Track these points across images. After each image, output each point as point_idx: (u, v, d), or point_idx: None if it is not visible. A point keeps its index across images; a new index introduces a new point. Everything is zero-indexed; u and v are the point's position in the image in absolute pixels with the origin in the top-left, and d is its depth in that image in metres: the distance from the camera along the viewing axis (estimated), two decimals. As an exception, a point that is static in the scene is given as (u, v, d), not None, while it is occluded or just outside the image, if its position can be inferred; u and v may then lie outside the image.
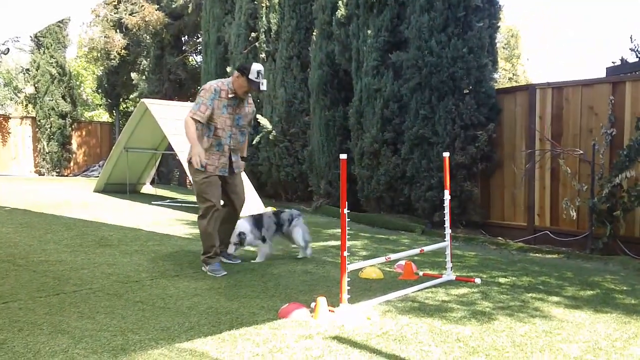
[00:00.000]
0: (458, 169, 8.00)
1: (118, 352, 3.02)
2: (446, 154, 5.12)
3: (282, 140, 11.74)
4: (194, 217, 9.28)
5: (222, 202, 5.28)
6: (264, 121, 12.02)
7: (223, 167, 5.17)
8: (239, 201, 5.46)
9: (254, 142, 12.40)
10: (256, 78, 5.02)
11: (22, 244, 6.15)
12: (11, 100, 23.30)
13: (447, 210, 5.04)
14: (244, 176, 11.05)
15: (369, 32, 9.05)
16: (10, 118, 19.84)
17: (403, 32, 8.71)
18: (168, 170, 17.65)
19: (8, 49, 18.84)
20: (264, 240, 5.72)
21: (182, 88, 18.49)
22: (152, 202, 11.22)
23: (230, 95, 5.10)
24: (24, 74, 22.25)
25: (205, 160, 5.01)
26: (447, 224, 5.03)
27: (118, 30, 18.90)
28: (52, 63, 19.23)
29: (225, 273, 5.00)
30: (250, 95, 5.29)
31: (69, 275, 4.76)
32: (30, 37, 19.64)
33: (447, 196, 5.06)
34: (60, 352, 2.98)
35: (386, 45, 8.90)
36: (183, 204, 11.18)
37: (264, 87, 5.07)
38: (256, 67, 5.02)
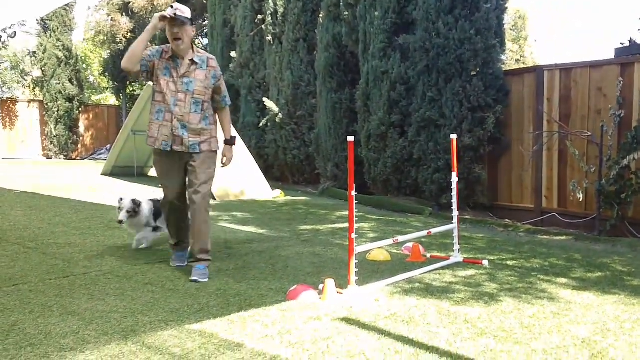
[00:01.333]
0: (465, 151, 7.97)
1: (128, 333, 3.06)
2: (454, 136, 5.09)
3: (288, 123, 11.72)
4: (201, 200, 9.32)
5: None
6: (270, 104, 12.00)
7: (165, 140, 4.25)
8: (190, 192, 4.35)
9: (261, 124, 12.39)
10: (169, 13, 4.12)
11: (31, 227, 6.20)
12: (18, 83, 23.33)
13: (454, 193, 5.03)
14: (247, 159, 11.13)
15: (377, 13, 8.97)
16: (18, 101, 19.90)
17: (410, 13, 8.62)
18: (175, 154, 17.67)
19: (15, 33, 18.80)
20: (155, 229, 5.28)
21: (188, 71, 18.43)
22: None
23: (168, 56, 4.21)
24: (30, 57, 22.25)
25: (148, 131, 4.31)
26: (455, 206, 5.02)
27: (124, 14, 18.83)
28: (58, 46, 19.21)
29: (179, 265, 4.59)
30: (209, 59, 4.32)
31: (79, 258, 4.80)
32: (37, 20, 19.61)
33: (454, 178, 5.05)
34: (71, 334, 3.02)
35: (393, 27, 8.82)
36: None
37: (176, 12, 4.07)
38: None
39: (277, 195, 10.13)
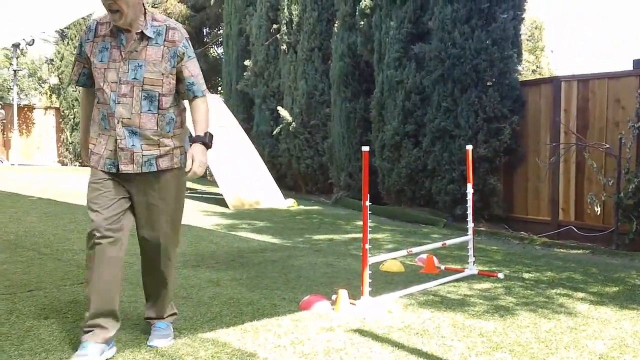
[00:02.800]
0: (481, 162, 7.91)
1: (141, 341, 3.05)
2: (469, 147, 5.06)
3: (302, 132, 11.73)
4: (214, 208, 9.35)
5: (123, 229, 2.96)
6: (284, 113, 12.02)
7: (109, 157, 2.89)
8: (150, 239, 3.08)
9: (274, 133, 12.42)
10: None
11: (46, 233, 6.24)
12: (35, 90, 23.64)
13: (469, 204, 4.98)
14: (260, 167, 11.11)
15: (392, 23, 8.97)
16: (35, 108, 20.13)
17: (426, 23, 8.62)
18: (190, 161, 17.76)
19: (33, 40, 19.06)
20: None
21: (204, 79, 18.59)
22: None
23: (107, 30, 2.86)
24: (48, 64, 22.53)
25: (91, 146, 2.95)
26: (470, 217, 4.97)
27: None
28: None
29: None
30: (169, 29, 2.88)
31: (93, 264, 4.81)
32: (55, 29, 19.87)
33: (469, 189, 5.00)
34: (85, 340, 3.01)
35: (409, 36, 8.82)
36: (203, 195, 11.24)
37: None
38: None
39: (291, 204, 10.12)
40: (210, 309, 3.68)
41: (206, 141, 2.95)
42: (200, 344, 3.03)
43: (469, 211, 4.97)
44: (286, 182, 12.34)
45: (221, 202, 9.71)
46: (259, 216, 8.60)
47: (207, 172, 15.97)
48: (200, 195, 11.26)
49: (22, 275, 4.37)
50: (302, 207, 10.08)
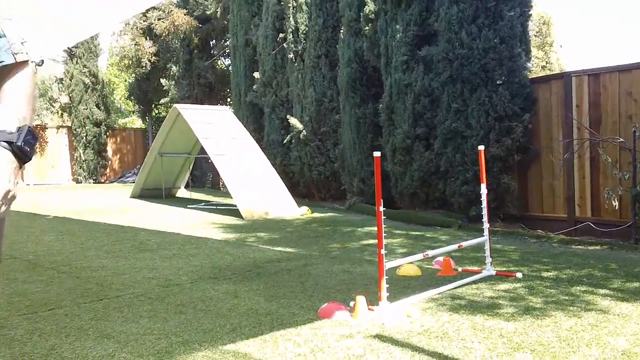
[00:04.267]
0: (494, 161, 7.86)
1: (163, 355, 3.06)
2: (481, 147, 5.03)
3: (313, 140, 11.75)
4: (228, 219, 9.39)
5: None
6: (293, 121, 12.06)
7: None
8: None
9: (284, 141, 12.45)
10: None
11: (64, 251, 6.30)
12: (47, 110, 23.93)
13: (484, 204, 4.95)
14: (272, 177, 11.13)
15: (398, 26, 8.97)
16: (47, 128, 20.37)
17: (432, 25, 8.61)
18: (202, 174, 17.87)
19: (42, 61, 19.28)
20: None
21: (212, 92, 18.70)
22: (188, 206, 11.38)
23: None
24: (58, 84, 22.81)
25: None
26: (485, 218, 4.94)
27: (147, 37, 19.22)
28: (85, 72, 19.69)
29: None
30: None
31: (111, 281, 4.85)
32: (64, 49, 20.11)
33: (483, 190, 4.98)
34: (107, 357, 3.04)
35: (415, 39, 8.81)
36: (217, 206, 11.29)
37: None
38: None
39: (304, 212, 10.13)
40: (229, 320, 3.69)
41: (16, 142, 1.60)
42: (221, 356, 3.04)
43: (484, 211, 4.94)
44: (299, 190, 12.36)
45: (235, 213, 9.75)
46: (273, 226, 8.61)
47: (221, 184, 16.06)
48: (215, 207, 11.31)
49: (42, 294, 4.42)
50: (315, 214, 10.08)
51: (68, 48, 19.93)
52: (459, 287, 4.47)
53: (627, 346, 3.07)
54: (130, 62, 19.77)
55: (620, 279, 4.71)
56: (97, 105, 19.95)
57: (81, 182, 19.61)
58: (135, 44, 19.20)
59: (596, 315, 3.65)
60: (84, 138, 19.61)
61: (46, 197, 13.36)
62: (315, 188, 12.23)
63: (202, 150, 11.54)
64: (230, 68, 17.33)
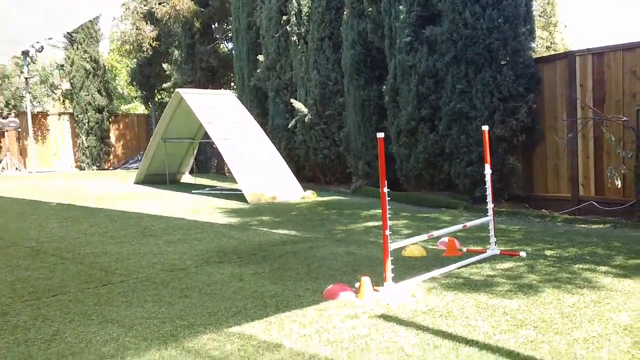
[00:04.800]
0: (498, 142, 7.83)
1: (168, 338, 3.09)
2: (485, 128, 5.01)
3: (317, 123, 11.72)
4: (233, 203, 9.41)
5: None
6: (298, 105, 12.01)
7: None
8: None
9: (290, 125, 12.41)
10: None
11: (68, 238, 6.33)
12: (48, 97, 23.90)
13: (488, 185, 4.95)
14: (278, 161, 11.11)
15: (401, 7, 8.88)
16: (49, 115, 20.36)
17: (436, 5, 8.51)
18: (206, 159, 17.87)
19: (42, 47, 19.21)
20: None
21: (214, 76, 18.60)
22: (192, 191, 11.40)
23: None
24: (59, 70, 22.75)
25: None
26: (489, 198, 4.94)
27: (148, 22, 19.10)
28: (86, 58, 19.60)
29: None
30: None
31: (116, 266, 4.88)
32: (64, 33, 20.02)
33: (488, 170, 4.97)
34: (112, 341, 3.06)
35: (419, 20, 8.72)
36: (222, 191, 11.31)
37: None
38: None
39: (309, 196, 10.14)
40: (234, 303, 3.71)
41: None
42: (226, 338, 3.06)
43: (488, 192, 4.93)
44: (304, 174, 12.35)
45: (240, 197, 9.76)
46: (278, 209, 8.63)
47: (225, 169, 16.07)
48: (220, 192, 11.33)
49: (45, 280, 4.44)
50: (321, 198, 10.09)
51: (68, 33, 19.84)
52: (463, 267, 4.48)
53: (629, 321, 3.08)
54: (131, 47, 19.68)
55: (623, 256, 4.70)
56: (99, 91, 19.89)
57: (84, 169, 19.64)
58: (136, 29, 19.09)
59: (598, 292, 3.66)
60: (86, 124, 19.57)
61: (49, 184, 13.40)
62: (321, 172, 12.22)
63: (206, 135, 11.53)
64: (233, 52, 17.23)
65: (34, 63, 21.29)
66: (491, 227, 4.91)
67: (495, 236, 4.92)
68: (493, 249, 4.88)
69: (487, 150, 5.00)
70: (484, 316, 3.27)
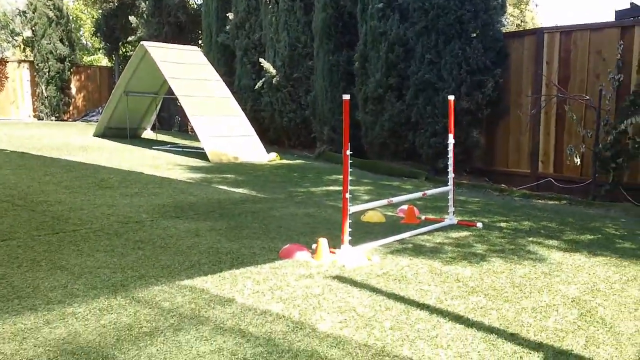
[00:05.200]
0: (463, 114, 7.87)
1: (117, 287, 3.03)
2: (451, 97, 5.01)
3: (285, 86, 11.55)
4: (194, 161, 9.26)
5: None
6: (267, 65, 11.80)
7: None
8: None
9: (257, 86, 12.22)
10: None
11: (20, 185, 6.12)
12: (8, 43, 22.85)
13: (450, 155, 4.97)
14: (242, 121, 10.94)
15: (375, -28, 8.74)
16: (8, 62, 19.51)
17: (410, -28, 8.40)
18: (169, 116, 17.47)
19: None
20: None
21: (182, 32, 18.05)
22: (153, 147, 11.15)
23: None
24: (20, 16, 21.73)
25: None
26: (450, 168, 4.97)
27: (116, -29, 18.34)
28: (49, 5, 18.75)
29: None
30: None
31: (68, 215, 4.75)
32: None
33: (450, 140, 4.98)
34: (60, 287, 2.99)
35: (392, -14, 8.61)
36: (184, 149, 11.11)
37: None
38: None
39: (273, 158, 10.06)
40: (188, 257, 3.66)
41: None
42: (177, 291, 3.02)
43: (450, 162, 4.96)
44: (269, 137, 12.22)
45: (202, 156, 9.61)
46: (240, 170, 8.53)
47: (189, 128, 15.77)
48: (182, 149, 11.12)
49: (-5, 225, 4.29)
50: (284, 161, 10.03)
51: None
52: (420, 234, 4.52)
53: (577, 294, 3.16)
54: (96, -3, 18.89)
55: (575, 232, 4.83)
56: (61, 40, 19.09)
57: (42, 119, 18.99)
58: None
59: (550, 265, 3.75)
60: (47, 74, 18.83)
61: (4, 132, 12.91)
62: (285, 135, 12.11)
63: (170, 91, 11.23)
64: (202, 8, 16.74)
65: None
66: (450, 197, 4.96)
67: (453, 206, 4.97)
68: (451, 219, 4.93)
69: (452, 120, 5.00)
70: (436, 282, 3.31)
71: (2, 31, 22.64)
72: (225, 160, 9.47)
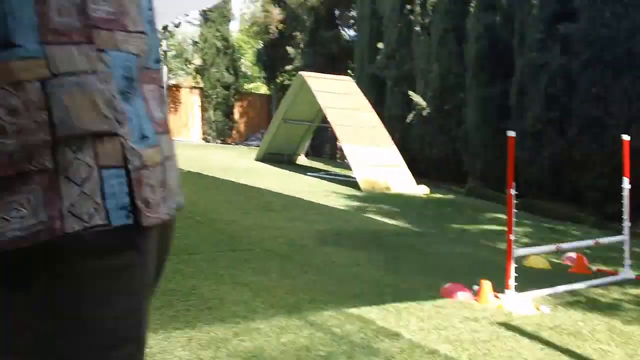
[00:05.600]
0: (637, 155, 7.24)
1: (292, 309, 3.22)
2: (626, 137, 4.68)
3: (435, 118, 11.51)
4: (347, 189, 9.53)
5: None
6: (417, 98, 11.85)
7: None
8: None
9: (408, 120, 12.26)
10: None
11: (199, 203, 6.74)
12: (182, 70, 25.38)
13: (625, 201, 4.61)
14: (393, 152, 11.06)
15: (535, 1, 8.45)
16: (182, 88, 21.63)
17: (572, 1, 8.00)
18: (321, 143, 18.15)
19: (180, 22, 20.45)
20: None
21: (334, 62, 18.82)
22: (308, 173, 11.67)
23: None
24: (193, 46, 24.07)
25: None
26: (626, 215, 4.60)
27: (276, 5, 19.68)
28: (218, 36, 20.57)
29: None
30: None
31: (241, 234, 5.15)
32: (199, 11, 21.14)
33: (626, 184, 4.62)
34: (242, 302, 3.25)
35: (553, 16, 8.25)
36: (336, 177, 11.47)
37: None
38: None
39: (424, 191, 10.02)
40: (352, 286, 3.79)
41: None
42: (346, 318, 3.14)
43: (625, 208, 4.60)
44: (417, 168, 12.16)
45: (353, 184, 9.86)
46: (392, 200, 8.62)
47: (338, 155, 16.28)
48: (333, 176, 11.50)
49: (182, 239, 4.75)
50: (434, 195, 9.94)
51: (203, 11, 20.91)
52: (593, 286, 4.23)
53: None
54: (259, 29, 20.39)
55: None
56: (227, 69, 20.80)
57: (209, 142, 20.70)
58: (264, 11, 19.73)
59: None
60: (214, 100, 20.58)
61: (179, 153, 14.23)
62: (434, 167, 12.01)
63: (324, 120, 11.71)
64: (352, 39, 17.34)
65: (172, 37, 22.69)
66: (626, 247, 4.58)
67: (630, 258, 4.59)
68: (627, 272, 4.54)
69: (627, 162, 4.66)
70: (617, 342, 3.08)
71: (178, 59, 25.25)
72: (377, 190, 9.62)
